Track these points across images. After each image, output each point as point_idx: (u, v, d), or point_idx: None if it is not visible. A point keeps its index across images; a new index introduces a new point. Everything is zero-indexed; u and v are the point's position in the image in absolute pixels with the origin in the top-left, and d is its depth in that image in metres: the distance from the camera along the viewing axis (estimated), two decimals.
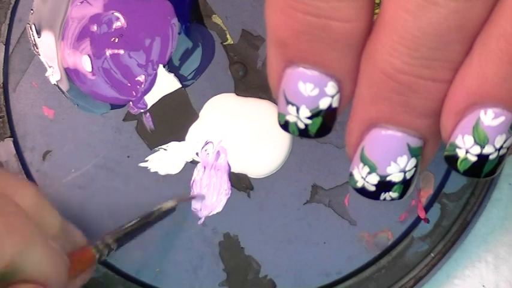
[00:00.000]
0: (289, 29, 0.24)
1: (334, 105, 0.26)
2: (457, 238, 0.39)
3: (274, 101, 0.39)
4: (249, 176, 0.40)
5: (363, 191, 0.27)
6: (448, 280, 0.40)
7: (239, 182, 0.40)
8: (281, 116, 0.26)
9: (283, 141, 0.40)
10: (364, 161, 0.26)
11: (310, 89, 0.25)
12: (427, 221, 0.39)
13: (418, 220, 0.39)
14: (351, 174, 0.27)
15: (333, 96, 0.25)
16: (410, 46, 0.23)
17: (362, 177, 0.26)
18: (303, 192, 0.40)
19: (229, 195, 0.40)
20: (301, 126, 0.26)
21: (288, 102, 0.26)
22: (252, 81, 0.40)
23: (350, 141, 0.27)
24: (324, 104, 0.25)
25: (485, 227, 0.40)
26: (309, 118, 0.26)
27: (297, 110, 0.26)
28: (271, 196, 0.40)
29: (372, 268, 0.39)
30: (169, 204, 0.39)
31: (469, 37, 0.23)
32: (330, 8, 0.24)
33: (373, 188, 0.26)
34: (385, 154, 0.26)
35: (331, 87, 0.25)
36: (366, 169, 0.26)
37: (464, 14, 0.23)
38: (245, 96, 0.40)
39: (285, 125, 0.26)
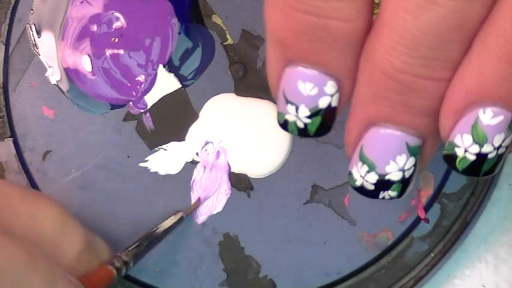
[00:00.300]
0: (289, 29, 0.24)
1: (334, 104, 0.26)
2: (457, 238, 0.39)
3: (274, 101, 0.39)
4: (249, 176, 0.40)
5: (361, 190, 0.27)
6: (448, 280, 0.40)
7: (239, 182, 0.40)
8: (280, 115, 0.26)
9: (283, 141, 0.40)
10: (363, 159, 0.26)
11: (310, 88, 0.25)
12: (427, 221, 0.39)
13: (418, 220, 0.39)
14: (350, 173, 0.27)
15: (332, 96, 0.25)
16: (409, 46, 0.23)
17: (361, 176, 0.26)
18: (303, 192, 0.40)
19: (229, 195, 0.40)
20: (301, 125, 0.26)
21: (288, 102, 0.26)
22: (252, 81, 0.40)
23: (349, 140, 0.27)
24: (323, 103, 0.25)
25: (485, 227, 0.40)
26: (308, 117, 0.26)
27: (296, 109, 0.26)
28: (271, 196, 0.40)
29: (372, 268, 0.39)
30: (177, 216, 0.39)
31: (468, 36, 0.23)
32: (329, 8, 0.24)
33: (372, 187, 0.26)
34: (384, 153, 0.26)
35: (330, 87, 0.25)
36: (365, 168, 0.26)
37: (464, 13, 0.23)
38: (245, 96, 0.40)
39: (284, 124, 0.27)
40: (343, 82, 0.25)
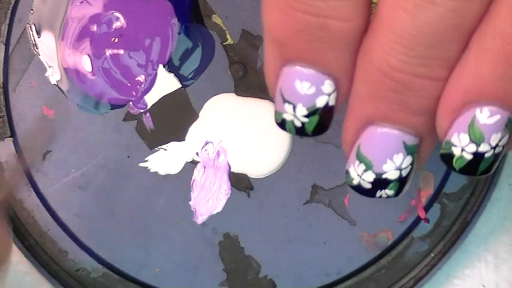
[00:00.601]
0: (289, 29, 0.24)
1: (331, 103, 0.26)
2: (457, 238, 0.39)
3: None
4: (249, 176, 0.40)
5: (358, 189, 0.27)
6: (448, 280, 0.40)
7: (239, 182, 0.40)
8: (278, 115, 0.26)
9: (283, 141, 0.40)
10: (360, 158, 0.26)
11: (307, 88, 0.25)
12: (427, 221, 0.39)
13: (418, 220, 0.39)
14: (347, 172, 0.27)
15: (329, 95, 0.25)
16: (406, 45, 0.23)
17: (358, 175, 0.26)
18: (303, 192, 0.40)
19: (229, 195, 0.40)
20: (298, 124, 0.26)
21: (285, 101, 0.26)
22: (252, 81, 0.40)
23: (346, 139, 0.27)
24: (320, 102, 0.25)
25: (485, 227, 0.40)
26: (306, 116, 0.26)
27: (294, 108, 0.26)
28: (271, 196, 0.40)
29: (372, 268, 0.39)
30: None
31: (465, 35, 0.23)
32: (328, 7, 0.24)
33: (369, 186, 0.26)
34: (381, 152, 0.26)
35: (328, 86, 0.25)
36: (362, 167, 0.26)
37: (461, 12, 0.23)
38: (245, 96, 0.40)
39: (281, 123, 0.27)
40: (341, 81, 0.25)
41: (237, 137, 0.40)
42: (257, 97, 0.40)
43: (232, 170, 0.40)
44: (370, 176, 0.26)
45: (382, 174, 0.26)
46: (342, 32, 0.24)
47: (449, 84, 0.24)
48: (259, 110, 0.40)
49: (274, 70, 0.26)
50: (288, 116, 0.26)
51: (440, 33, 0.23)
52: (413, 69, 0.24)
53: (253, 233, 0.40)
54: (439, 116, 0.25)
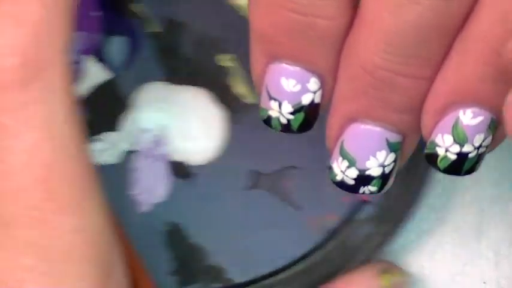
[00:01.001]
0: (274, 26, 0.25)
1: (317, 100, 0.26)
2: (402, 218, 0.40)
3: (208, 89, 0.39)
4: (188, 163, 0.40)
5: (341, 185, 0.27)
6: (448, 277, 0.41)
7: (179, 170, 0.40)
8: (263, 111, 0.27)
9: (220, 127, 0.39)
10: (344, 155, 0.27)
11: (293, 85, 0.26)
12: (371, 202, 0.40)
13: (363, 202, 0.40)
14: (330, 168, 0.27)
15: (315, 92, 0.26)
16: (387, 42, 0.24)
17: (341, 171, 0.27)
18: (245, 178, 0.40)
19: (170, 184, 0.40)
20: (284, 121, 0.26)
21: (271, 98, 0.26)
22: (183, 69, 0.39)
23: (330, 135, 0.27)
24: (306, 99, 0.26)
25: (487, 223, 0.41)
26: (291, 113, 0.26)
27: (279, 105, 0.26)
28: (214, 183, 0.40)
29: (320, 252, 0.40)
30: None
31: (446, 36, 0.24)
32: (313, 6, 0.24)
33: (352, 182, 0.27)
34: (364, 148, 0.26)
35: (313, 83, 0.26)
36: (345, 163, 0.27)
37: (440, 12, 0.23)
38: (178, 84, 0.40)
39: (267, 120, 0.27)
40: (326, 79, 0.26)
41: (173, 125, 0.39)
42: (190, 85, 0.40)
43: (171, 157, 0.39)
44: (353, 173, 0.27)
45: (365, 170, 0.26)
46: (326, 30, 0.25)
47: (434, 84, 0.25)
48: (194, 98, 0.40)
49: (260, 67, 0.26)
50: (273, 113, 0.26)
51: (419, 32, 0.24)
52: (393, 67, 0.24)
53: (198, 220, 0.40)
54: (424, 116, 0.25)
